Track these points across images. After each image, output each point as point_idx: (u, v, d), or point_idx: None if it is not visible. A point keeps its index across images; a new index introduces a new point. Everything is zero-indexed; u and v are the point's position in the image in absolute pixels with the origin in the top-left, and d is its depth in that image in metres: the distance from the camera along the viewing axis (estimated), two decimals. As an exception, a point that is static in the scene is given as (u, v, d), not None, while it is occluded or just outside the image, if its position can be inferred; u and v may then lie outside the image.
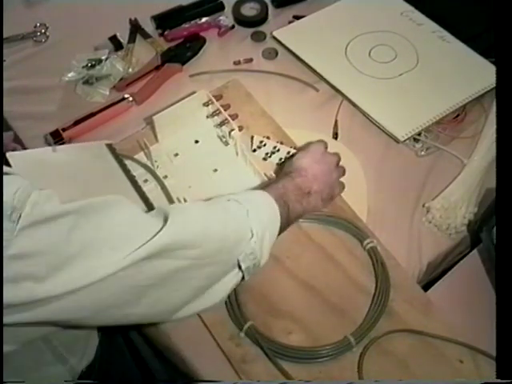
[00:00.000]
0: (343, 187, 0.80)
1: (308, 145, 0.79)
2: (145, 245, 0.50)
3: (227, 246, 0.59)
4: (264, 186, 0.71)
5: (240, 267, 0.61)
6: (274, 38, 1.05)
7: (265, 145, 0.87)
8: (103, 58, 1.02)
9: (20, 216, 0.45)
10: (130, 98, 0.97)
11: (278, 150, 0.86)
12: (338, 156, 0.79)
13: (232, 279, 0.62)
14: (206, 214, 0.59)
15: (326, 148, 0.79)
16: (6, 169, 0.49)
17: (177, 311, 0.59)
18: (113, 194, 0.54)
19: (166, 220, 0.53)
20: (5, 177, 0.47)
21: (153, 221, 0.54)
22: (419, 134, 0.91)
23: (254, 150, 0.87)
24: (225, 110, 0.89)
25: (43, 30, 1.09)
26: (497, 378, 0.58)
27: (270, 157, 0.86)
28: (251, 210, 0.62)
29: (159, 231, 0.52)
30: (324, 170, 0.76)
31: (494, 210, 0.72)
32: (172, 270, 0.54)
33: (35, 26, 1.09)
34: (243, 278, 0.63)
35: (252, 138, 0.88)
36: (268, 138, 0.88)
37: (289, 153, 0.85)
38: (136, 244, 0.50)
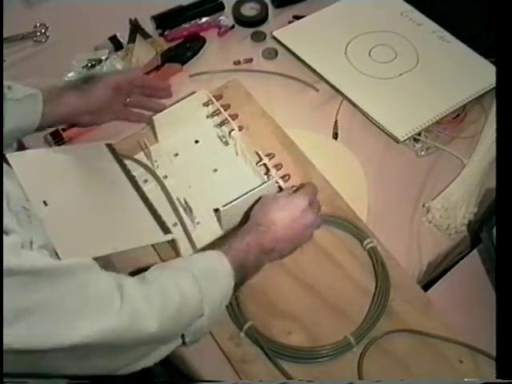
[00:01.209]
0: (311, 234, 0.74)
1: (285, 196, 0.73)
2: (100, 324, 0.51)
3: (178, 328, 0.61)
4: (230, 239, 0.68)
5: (184, 336, 0.63)
6: (274, 37, 1.05)
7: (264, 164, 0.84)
8: (103, 58, 1.02)
9: None
10: (130, 98, 0.97)
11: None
12: (316, 205, 0.74)
13: (174, 346, 0.63)
14: (162, 300, 0.58)
15: (306, 194, 0.73)
16: None
17: (116, 372, 0.60)
18: (84, 259, 0.56)
19: (122, 297, 0.54)
20: None
21: (111, 299, 0.54)
22: (419, 134, 0.91)
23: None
24: (225, 110, 0.89)
25: (43, 30, 1.09)
26: (497, 377, 0.58)
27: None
28: (206, 289, 0.61)
29: (116, 312, 0.53)
30: (296, 228, 0.70)
31: (494, 210, 0.72)
32: (121, 344, 0.55)
33: (35, 26, 1.09)
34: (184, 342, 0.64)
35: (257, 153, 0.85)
36: (272, 156, 0.85)
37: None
38: (91, 321, 0.51)
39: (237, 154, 0.87)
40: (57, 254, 0.66)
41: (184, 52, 1.03)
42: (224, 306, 0.65)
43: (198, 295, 0.61)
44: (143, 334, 0.55)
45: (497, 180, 0.65)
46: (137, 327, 0.55)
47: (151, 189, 0.83)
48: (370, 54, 1.02)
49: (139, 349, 0.58)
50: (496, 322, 0.59)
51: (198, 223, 0.80)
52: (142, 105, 0.91)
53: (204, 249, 0.71)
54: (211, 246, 0.73)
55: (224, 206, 0.75)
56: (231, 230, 0.78)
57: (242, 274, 0.67)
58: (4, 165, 0.71)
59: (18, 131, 0.76)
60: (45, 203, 0.70)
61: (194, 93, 0.89)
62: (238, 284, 0.67)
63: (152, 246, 0.79)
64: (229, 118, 0.87)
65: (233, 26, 1.08)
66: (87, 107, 0.81)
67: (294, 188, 0.78)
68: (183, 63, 1.03)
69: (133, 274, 0.63)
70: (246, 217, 0.74)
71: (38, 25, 1.09)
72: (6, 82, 0.76)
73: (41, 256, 0.53)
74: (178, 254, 0.76)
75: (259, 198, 0.75)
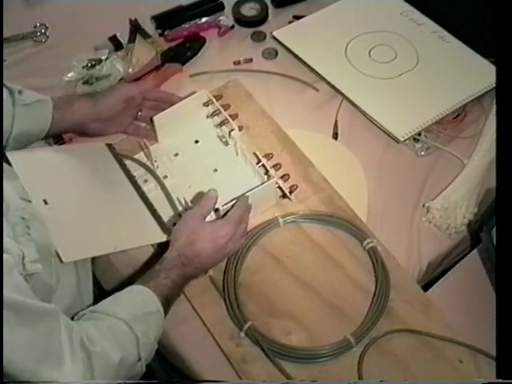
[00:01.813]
0: (239, 246, 0.75)
1: (211, 225, 0.72)
2: (53, 375, 0.53)
3: (118, 379, 0.61)
4: (155, 274, 0.68)
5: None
6: (274, 37, 1.05)
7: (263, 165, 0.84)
8: (103, 58, 1.02)
9: None
10: (130, 98, 0.97)
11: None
12: (241, 230, 0.73)
13: None
14: (105, 363, 0.59)
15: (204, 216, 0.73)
16: None
17: None
18: (51, 306, 0.57)
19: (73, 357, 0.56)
20: None
21: (63, 356, 0.55)
22: (419, 134, 0.91)
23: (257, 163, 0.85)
24: (225, 110, 0.89)
25: (43, 30, 1.09)
26: (497, 377, 0.58)
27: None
28: (142, 337, 0.62)
29: (67, 371, 0.54)
30: (218, 256, 0.72)
31: (494, 210, 0.72)
32: None
33: (35, 26, 1.09)
34: None
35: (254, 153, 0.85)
36: (271, 156, 0.85)
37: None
38: (47, 370, 0.53)
39: (237, 153, 0.87)
40: (57, 254, 0.66)
41: (184, 52, 1.03)
42: (156, 344, 0.66)
43: (135, 345, 0.62)
44: None
45: (497, 180, 0.65)
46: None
47: (151, 189, 0.83)
48: (370, 53, 1.02)
49: None
50: (496, 322, 0.59)
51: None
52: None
53: (158, 256, 0.71)
54: (136, 277, 0.72)
55: (224, 205, 0.75)
56: (150, 259, 0.78)
57: (168, 307, 0.68)
58: (4, 165, 0.71)
59: (26, 136, 0.76)
60: (45, 202, 0.70)
61: (194, 93, 0.89)
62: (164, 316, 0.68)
63: (151, 245, 0.79)
64: (229, 118, 0.87)
65: (233, 26, 1.08)
66: (97, 115, 0.81)
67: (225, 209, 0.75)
68: (183, 63, 1.02)
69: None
70: (174, 236, 0.72)
71: (38, 25, 1.09)
72: (17, 87, 0.76)
73: (19, 287, 0.54)
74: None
75: (182, 220, 0.73)
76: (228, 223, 0.72)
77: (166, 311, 0.67)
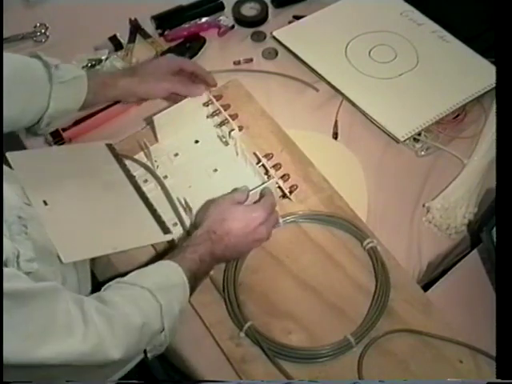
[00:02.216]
0: (270, 234, 0.75)
1: (244, 207, 0.73)
2: (65, 347, 0.53)
3: (140, 348, 0.62)
4: (184, 247, 0.68)
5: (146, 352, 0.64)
6: (274, 37, 1.05)
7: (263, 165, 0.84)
8: (103, 58, 1.02)
9: None
10: (130, 98, 0.97)
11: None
12: (272, 219, 0.74)
13: (137, 361, 0.65)
14: (125, 326, 0.60)
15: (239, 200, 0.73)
16: None
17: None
18: (53, 282, 0.57)
19: (86, 324, 0.55)
20: None
21: (75, 325, 0.55)
22: (419, 134, 0.91)
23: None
24: (225, 110, 0.89)
25: (43, 30, 1.09)
26: (497, 377, 0.58)
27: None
28: (165, 305, 0.63)
29: (80, 339, 0.54)
30: (247, 241, 0.71)
31: (494, 210, 0.72)
32: (87, 367, 0.56)
33: (35, 26, 1.09)
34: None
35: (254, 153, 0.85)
36: (271, 156, 0.86)
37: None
38: (58, 344, 0.53)
39: (237, 153, 0.87)
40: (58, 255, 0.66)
41: (184, 52, 1.03)
42: (181, 316, 0.67)
43: (158, 313, 0.62)
44: (107, 360, 0.57)
45: (497, 180, 0.65)
46: (101, 355, 0.56)
47: (151, 189, 0.83)
48: (370, 53, 1.02)
49: (104, 370, 0.60)
50: (496, 322, 0.59)
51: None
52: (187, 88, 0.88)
53: (159, 256, 0.71)
54: (165, 253, 0.74)
55: None
56: (185, 236, 0.77)
57: (195, 283, 0.68)
58: (4, 168, 0.71)
59: (62, 113, 0.77)
60: (45, 203, 0.70)
61: (193, 93, 0.89)
62: (191, 292, 0.68)
63: (152, 245, 0.79)
64: (229, 118, 0.87)
65: (233, 26, 1.08)
66: (140, 95, 0.82)
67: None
68: (183, 63, 1.02)
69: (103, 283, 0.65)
70: (201, 217, 0.73)
71: (38, 25, 1.09)
72: (53, 60, 0.76)
73: (15, 278, 0.54)
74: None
75: (212, 201, 0.74)
76: (261, 207, 0.72)
77: (192, 287, 0.67)
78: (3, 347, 0.49)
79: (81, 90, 0.78)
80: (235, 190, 0.77)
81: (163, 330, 0.63)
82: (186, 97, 0.86)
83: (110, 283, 0.65)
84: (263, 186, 0.78)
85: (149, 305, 0.62)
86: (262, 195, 0.76)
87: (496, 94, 0.87)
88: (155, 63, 0.86)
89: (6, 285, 0.51)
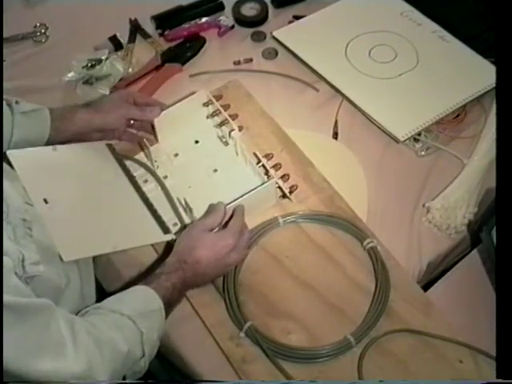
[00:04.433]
0: (243, 256, 0.75)
1: (213, 235, 0.72)
2: (56, 366, 0.54)
3: (123, 373, 0.63)
4: (157, 275, 0.68)
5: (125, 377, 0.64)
6: (274, 37, 1.05)
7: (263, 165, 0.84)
8: (103, 58, 1.02)
9: None
10: (130, 98, 0.97)
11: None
12: (243, 241, 0.73)
13: None
14: (112, 353, 0.60)
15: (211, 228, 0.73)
16: None
17: None
18: (46, 300, 0.57)
19: (76, 345, 0.56)
20: None
21: (66, 345, 0.56)
22: (419, 134, 0.91)
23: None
24: (225, 110, 0.89)
25: (43, 30, 1.09)
26: (497, 377, 0.59)
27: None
28: (146, 333, 0.63)
29: (71, 359, 0.55)
30: (219, 266, 0.72)
31: (494, 210, 0.72)
32: None
33: (35, 26, 1.09)
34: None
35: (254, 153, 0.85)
36: (271, 156, 0.86)
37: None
38: (49, 362, 0.54)
39: (237, 154, 0.87)
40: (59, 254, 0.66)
41: (184, 52, 1.04)
42: (159, 341, 0.67)
43: (139, 340, 0.63)
44: (94, 381, 0.57)
45: (497, 180, 0.65)
46: (90, 379, 0.56)
47: (151, 189, 0.83)
48: (369, 53, 1.02)
49: None
50: (496, 322, 0.60)
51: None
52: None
53: (134, 282, 0.72)
54: (137, 278, 0.75)
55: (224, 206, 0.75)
56: (155, 262, 0.78)
57: (168, 310, 0.68)
58: (5, 166, 0.71)
59: (26, 143, 0.77)
60: (45, 201, 0.70)
61: (193, 93, 0.90)
62: (168, 315, 0.68)
63: (152, 245, 0.79)
64: (229, 118, 0.87)
65: (233, 26, 1.08)
66: (98, 127, 0.83)
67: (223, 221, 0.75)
68: (183, 63, 1.03)
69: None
70: (171, 246, 0.73)
71: (38, 25, 1.10)
72: (13, 98, 0.78)
73: (15, 290, 0.54)
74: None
75: (186, 229, 0.74)
76: (230, 233, 0.72)
77: (166, 313, 0.67)
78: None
79: (43, 122, 0.79)
80: (211, 205, 0.76)
81: (143, 356, 0.64)
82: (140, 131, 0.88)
83: (88, 309, 0.64)
84: (263, 186, 0.78)
85: (130, 332, 0.63)
86: (233, 213, 0.75)
87: (496, 94, 0.87)
88: (109, 96, 0.87)
89: (7, 297, 0.51)
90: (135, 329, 0.63)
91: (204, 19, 1.08)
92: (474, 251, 0.81)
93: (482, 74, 0.96)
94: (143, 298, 0.66)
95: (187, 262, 0.70)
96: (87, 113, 0.81)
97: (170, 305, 0.68)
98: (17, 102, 0.77)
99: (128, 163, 0.86)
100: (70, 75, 1.01)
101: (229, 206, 0.75)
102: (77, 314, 0.64)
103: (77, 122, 0.80)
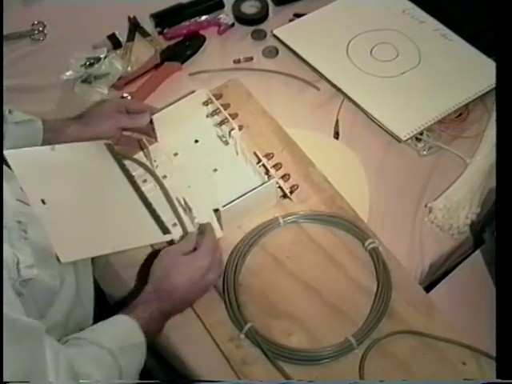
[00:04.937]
0: (220, 273, 0.74)
1: (186, 258, 0.71)
2: None
3: None
4: (134, 305, 0.68)
5: None
6: (275, 36, 1.05)
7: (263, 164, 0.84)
8: (102, 56, 1.02)
9: None
10: (129, 97, 0.97)
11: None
12: (217, 260, 0.73)
13: None
14: None
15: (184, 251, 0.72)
16: None
17: None
18: (36, 322, 0.56)
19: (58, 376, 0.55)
20: None
21: (47, 373, 0.55)
22: (421, 134, 0.91)
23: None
24: (225, 109, 0.89)
25: (41, 29, 1.09)
26: (497, 377, 0.59)
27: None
28: (125, 367, 0.63)
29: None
30: (197, 288, 0.71)
31: (495, 211, 0.72)
32: None
33: (33, 25, 1.10)
34: None
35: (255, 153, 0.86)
36: (272, 156, 0.86)
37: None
38: None
39: (237, 153, 0.87)
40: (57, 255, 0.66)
41: (183, 50, 1.04)
42: (138, 375, 0.66)
43: (117, 374, 0.62)
44: None
45: (497, 180, 0.65)
46: None
47: (150, 189, 0.83)
48: (371, 52, 1.02)
49: None
50: (496, 322, 0.59)
51: (198, 223, 0.80)
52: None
53: (114, 307, 0.71)
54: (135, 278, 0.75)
55: (224, 206, 0.76)
56: (133, 290, 0.77)
57: (149, 340, 0.67)
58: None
59: None
60: (43, 202, 0.70)
61: (193, 92, 0.90)
62: (148, 347, 0.67)
63: (151, 246, 0.79)
64: (229, 118, 0.87)
65: (233, 24, 1.08)
66: (91, 139, 0.83)
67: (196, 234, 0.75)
68: (182, 62, 1.03)
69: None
70: (146, 271, 0.72)
71: (36, 23, 1.10)
72: (6, 107, 0.78)
73: (12, 303, 0.54)
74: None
75: (159, 253, 0.73)
76: (202, 254, 0.71)
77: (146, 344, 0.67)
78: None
79: (35, 133, 0.79)
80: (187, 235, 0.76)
81: None
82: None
83: (68, 338, 0.63)
84: (264, 186, 0.78)
85: (109, 366, 0.62)
86: (201, 231, 0.74)
87: (496, 94, 0.87)
88: (100, 107, 0.87)
89: (7, 310, 0.51)
90: (114, 363, 0.62)
91: (204, 17, 1.08)
92: (477, 252, 0.81)
93: (485, 72, 0.96)
94: (125, 330, 0.65)
95: (165, 289, 0.69)
96: (77, 127, 0.82)
97: (147, 335, 0.66)
98: (10, 112, 0.78)
99: (127, 163, 0.86)
100: (68, 74, 1.01)
101: (228, 206, 0.75)
102: (59, 341, 0.63)
103: (68, 136, 0.81)
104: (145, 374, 0.67)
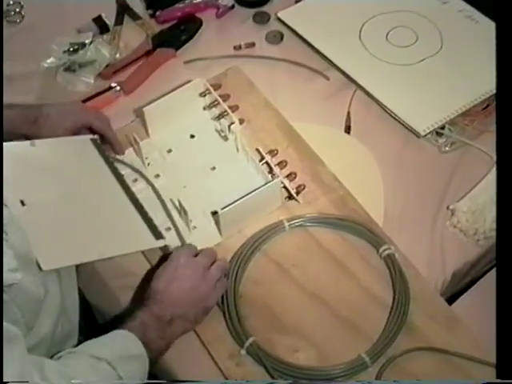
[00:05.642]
0: (223, 288, 0.75)
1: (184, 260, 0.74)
2: None
3: None
4: (128, 316, 0.70)
5: None
6: (279, 19, 1.06)
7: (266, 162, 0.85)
8: (87, 41, 1.03)
9: None
10: (118, 87, 0.98)
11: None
12: (209, 256, 0.75)
13: None
14: None
15: (195, 253, 0.75)
16: None
17: None
18: (12, 328, 0.57)
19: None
20: None
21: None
22: (443, 128, 0.92)
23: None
24: (224, 101, 0.90)
25: (18, 9, 1.10)
26: (497, 377, 0.60)
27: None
28: (125, 376, 0.64)
29: None
30: (184, 287, 0.72)
31: (496, 215, 0.72)
32: None
33: (8, 5, 1.10)
34: None
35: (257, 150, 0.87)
36: (276, 152, 0.87)
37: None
38: None
39: (237, 150, 0.88)
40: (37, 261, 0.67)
41: (178, 35, 1.04)
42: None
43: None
44: None
45: (497, 181, 0.65)
46: None
47: (141, 189, 0.84)
48: (387, 37, 1.03)
49: None
50: (496, 322, 0.60)
51: (194, 228, 0.81)
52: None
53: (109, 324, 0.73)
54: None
55: (223, 208, 0.76)
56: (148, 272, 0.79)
57: (150, 351, 0.68)
58: None
59: None
60: (22, 203, 0.71)
61: (189, 81, 0.91)
62: (154, 360, 0.69)
63: (142, 252, 0.80)
64: (228, 110, 0.88)
65: (233, 6, 1.09)
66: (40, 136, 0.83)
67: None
68: (177, 48, 1.04)
69: None
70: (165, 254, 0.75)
71: (12, 3, 1.10)
72: None
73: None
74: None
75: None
76: (202, 254, 0.74)
77: (150, 355, 0.68)
78: None
79: None
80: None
81: None
82: None
83: (61, 353, 0.65)
84: (267, 186, 0.79)
85: (108, 376, 0.63)
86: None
87: (496, 95, 0.87)
88: (60, 114, 0.85)
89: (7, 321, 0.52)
90: (114, 373, 0.64)
91: (200, -2, 1.09)
92: (505, 259, 0.81)
93: (515, 59, 0.96)
94: (123, 343, 0.67)
95: (148, 296, 0.71)
96: (29, 130, 0.82)
97: (145, 344, 0.68)
98: None
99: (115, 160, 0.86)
100: (49, 61, 1.02)
101: (228, 209, 0.76)
102: (51, 358, 0.65)
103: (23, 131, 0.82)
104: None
